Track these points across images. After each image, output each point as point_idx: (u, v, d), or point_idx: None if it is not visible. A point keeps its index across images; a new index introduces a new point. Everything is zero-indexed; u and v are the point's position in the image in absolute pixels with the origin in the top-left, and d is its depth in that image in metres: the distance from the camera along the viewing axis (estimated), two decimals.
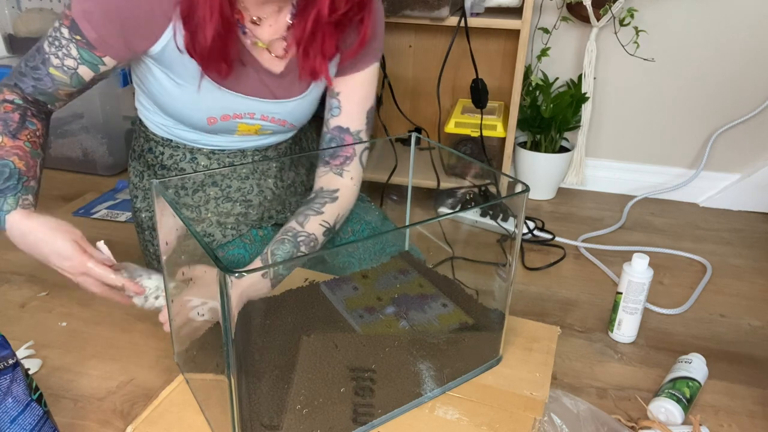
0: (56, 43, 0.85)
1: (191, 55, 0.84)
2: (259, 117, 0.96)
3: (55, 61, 0.85)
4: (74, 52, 0.84)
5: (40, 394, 0.73)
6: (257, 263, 0.88)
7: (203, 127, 0.95)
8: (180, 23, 0.82)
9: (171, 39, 0.83)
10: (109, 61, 0.86)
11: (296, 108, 0.98)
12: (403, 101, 1.75)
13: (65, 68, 0.85)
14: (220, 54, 0.84)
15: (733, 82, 1.60)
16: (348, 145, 1.00)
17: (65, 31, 0.84)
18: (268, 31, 0.90)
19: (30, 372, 0.94)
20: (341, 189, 0.98)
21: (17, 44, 1.80)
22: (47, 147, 0.90)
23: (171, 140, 1.00)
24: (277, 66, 0.93)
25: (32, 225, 0.81)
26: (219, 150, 1.00)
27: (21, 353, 0.99)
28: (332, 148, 1.00)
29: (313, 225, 0.92)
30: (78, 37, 0.83)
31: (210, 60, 0.84)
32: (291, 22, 0.90)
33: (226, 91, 0.90)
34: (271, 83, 0.93)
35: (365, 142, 1.02)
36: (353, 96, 0.99)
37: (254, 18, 0.88)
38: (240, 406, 0.61)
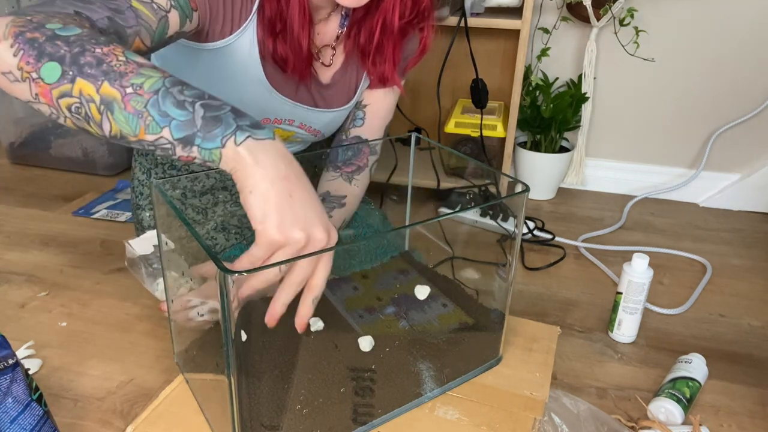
0: None
1: (274, 58, 0.81)
2: (298, 125, 0.95)
3: None
4: None
5: (40, 394, 0.73)
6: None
7: None
8: (256, 23, 0.80)
9: (249, 34, 0.81)
10: (194, 21, 0.75)
11: (333, 120, 0.98)
12: (403, 101, 1.75)
13: (155, 5, 0.68)
14: (309, 55, 0.82)
15: (733, 82, 1.60)
16: (352, 143, 1.00)
17: None
18: (316, 39, 0.90)
19: (30, 372, 0.94)
20: (348, 196, 0.98)
21: None
22: None
23: None
24: (324, 76, 0.93)
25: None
26: None
27: (21, 353, 0.99)
28: (344, 146, 1.00)
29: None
30: None
31: (297, 60, 0.82)
32: (341, 30, 0.90)
33: (277, 94, 0.88)
34: (316, 92, 0.93)
35: (377, 154, 1.02)
36: (379, 111, 1.00)
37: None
38: (240, 406, 0.61)
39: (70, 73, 0.55)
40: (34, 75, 0.55)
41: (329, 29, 0.90)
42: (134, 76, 0.55)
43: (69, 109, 0.56)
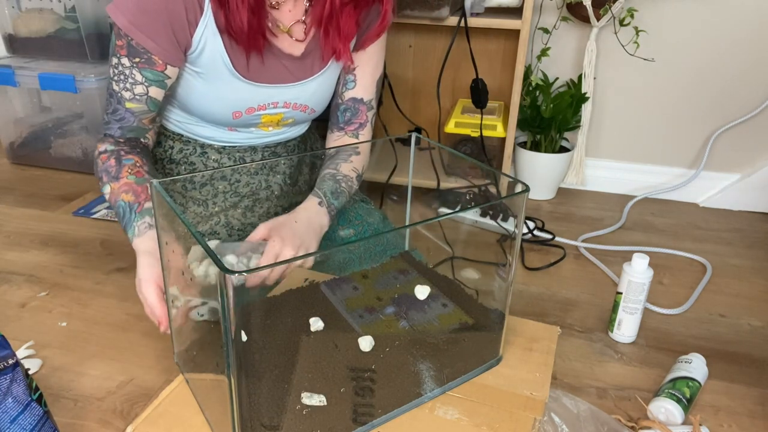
0: (121, 77, 0.87)
1: (230, 35, 0.86)
2: (282, 105, 0.99)
3: (128, 95, 0.88)
4: (139, 77, 0.87)
5: (40, 394, 0.73)
6: (310, 198, 0.95)
7: (227, 122, 0.97)
8: (212, 7, 0.85)
9: (208, 24, 0.85)
10: (171, 71, 0.88)
11: (317, 89, 1.00)
12: (403, 101, 1.75)
13: (138, 97, 0.88)
14: (258, 30, 0.86)
15: (733, 82, 1.60)
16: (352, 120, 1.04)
17: (125, 61, 0.86)
18: (288, 16, 0.92)
19: (30, 372, 0.94)
20: (359, 146, 1.04)
21: (17, 44, 1.80)
22: (155, 173, 0.93)
23: (182, 135, 1.00)
24: (297, 49, 0.95)
25: (145, 247, 0.86)
26: (230, 145, 1.02)
27: (21, 353, 0.99)
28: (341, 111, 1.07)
29: (346, 168, 1.00)
30: (137, 59, 0.85)
31: (249, 38, 0.86)
32: (308, 4, 0.92)
33: (250, 83, 0.92)
34: (292, 66, 0.95)
35: (374, 109, 1.06)
36: (367, 68, 1.04)
37: (273, 2, 0.90)
38: (240, 406, 0.61)
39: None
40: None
41: (299, 4, 0.92)
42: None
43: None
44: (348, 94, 1.05)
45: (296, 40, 0.94)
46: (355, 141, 1.06)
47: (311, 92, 1.00)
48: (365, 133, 1.08)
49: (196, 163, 1.02)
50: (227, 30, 0.86)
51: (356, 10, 0.92)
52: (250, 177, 1.02)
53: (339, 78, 1.05)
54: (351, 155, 1.02)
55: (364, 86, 1.05)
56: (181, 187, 0.99)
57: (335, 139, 1.08)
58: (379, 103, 1.70)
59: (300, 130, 1.11)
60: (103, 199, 1.63)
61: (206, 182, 1.00)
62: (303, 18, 0.93)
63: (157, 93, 0.89)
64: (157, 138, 1.02)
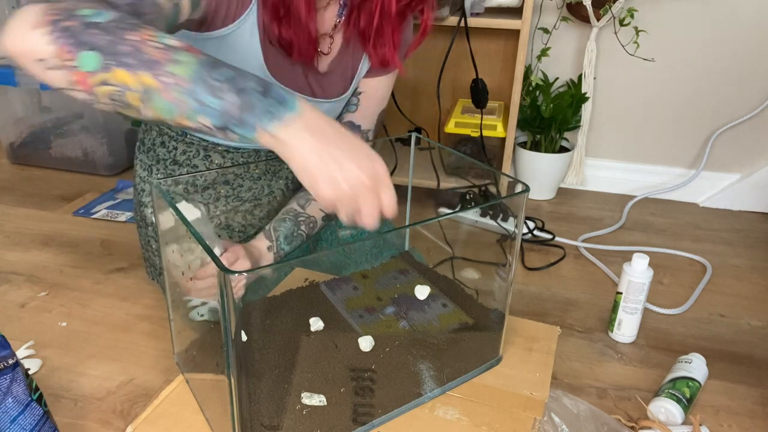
0: None
1: (281, 43, 0.84)
2: None
3: None
4: None
5: (40, 394, 0.73)
6: (261, 238, 0.92)
7: None
8: (257, 11, 0.82)
9: (249, 23, 0.83)
10: (200, 9, 0.76)
11: (329, 111, 0.99)
12: (403, 101, 1.75)
13: None
14: (316, 38, 0.85)
15: (733, 82, 1.60)
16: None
17: None
18: (320, 27, 0.91)
19: (30, 372, 0.94)
20: None
21: None
22: None
23: (185, 136, 1.00)
24: (322, 64, 0.94)
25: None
26: (234, 149, 1.01)
27: (21, 353, 0.99)
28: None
29: (313, 209, 0.97)
30: None
31: (303, 44, 0.84)
32: (339, 20, 0.92)
33: (276, 83, 0.89)
34: (314, 81, 0.94)
35: (371, 141, 1.03)
36: (373, 97, 1.02)
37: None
38: (240, 406, 0.61)
39: (109, 61, 0.56)
40: (73, 63, 0.56)
41: (327, 18, 0.92)
42: (170, 64, 0.57)
43: (109, 96, 0.58)
44: (347, 117, 1.02)
45: (321, 52, 0.93)
46: None
47: (324, 111, 0.98)
48: None
49: (199, 167, 1.01)
50: (279, 42, 0.84)
51: (401, 20, 0.91)
52: (253, 182, 1.02)
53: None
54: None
55: (364, 115, 1.02)
56: (183, 190, 0.99)
57: None
58: None
59: None
60: (103, 199, 1.62)
61: (208, 186, 0.99)
62: (330, 32, 0.92)
63: (185, 7, 0.72)
64: (160, 138, 1.02)
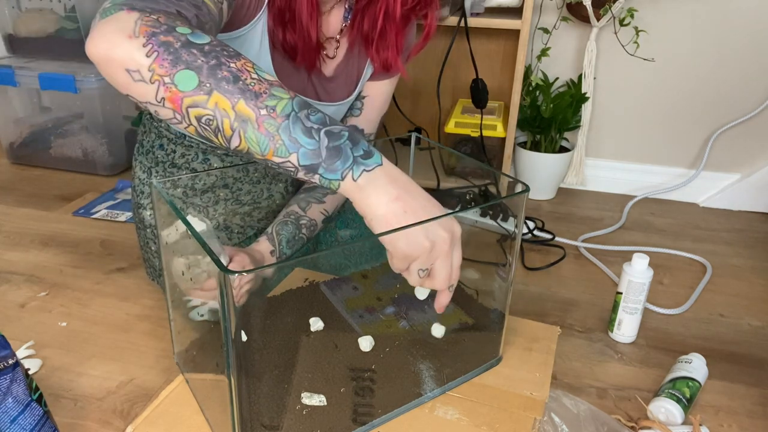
0: None
1: (284, 47, 0.84)
2: None
3: None
4: None
5: (40, 394, 0.73)
6: (264, 242, 0.91)
7: None
8: (268, 14, 0.82)
9: (261, 25, 0.83)
10: (232, 10, 0.77)
11: (334, 114, 0.99)
12: (403, 101, 1.75)
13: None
14: (318, 44, 0.85)
15: (733, 82, 1.60)
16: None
17: None
18: (321, 32, 0.91)
19: (30, 372, 0.94)
20: None
21: (17, 44, 1.80)
22: None
23: (184, 138, 1.00)
24: (327, 68, 0.94)
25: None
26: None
27: (21, 353, 0.99)
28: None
29: (314, 212, 0.97)
30: None
31: (306, 49, 0.84)
32: (345, 23, 0.92)
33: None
34: (319, 84, 0.94)
35: (371, 142, 1.03)
36: (376, 101, 1.02)
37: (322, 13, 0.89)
38: (240, 406, 0.61)
39: (207, 85, 0.56)
40: (167, 80, 0.56)
41: (332, 21, 0.91)
42: (268, 98, 0.57)
43: (198, 119, 0.57)
44: (350, 121, 1.03)
45: (326, 56, 0.93)
46: None
47: (329, 114, 0.98)
48: None
49: (198, 170, 1.01)
50: (282, 46, 0.84)
51: (405, 23, 0.92)
52: (252, 185, 1.02)
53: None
54: (328, 193, 0.99)
55: (368, 119, 1.03)
56: (182, 194, 0.99)
57: None
58: None
59: None
60: (103, 199, 1.62)
61: (207, 189, 0.99)
62: (336, 36, 0.93)
63: (226, 9, 0.73)
64: (159, 140, 1.02)
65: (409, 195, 0.60)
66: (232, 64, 0.57)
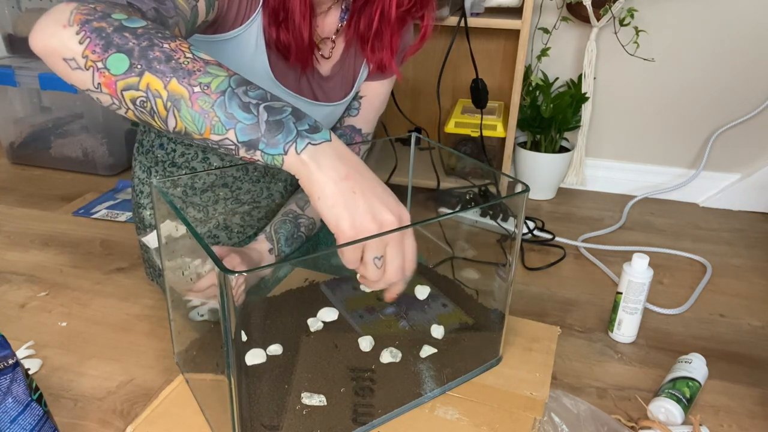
0: None
1: (278, 46, 0.83)
2: None
3: None
4: None
5: (40, 394, 0.73)
6: (262, 240, 0.92)
7: None
8: (263, 14, 0.82)
9: (256, 25, 0.82)
10: (214, 11, 0.76)
11: (331, 114, 0.99)
12: (403, 101, 1.75)
13: None
14: (311, 44, 0.85)
15: (733, 82, 1.60)
16: (355, 143, 1.02)
17: None
18: (317, 31, 0.91)
19: (30, 372, 0.94)
20: None
21: (17, 44, 1.80)
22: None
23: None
24: (324, 68, 0.94)
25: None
26: None
27: (21, 353, 0.99)
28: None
29: (313, 210, 0.97)
30: None
31: (299, 49, 0.84)
32: (341, 24, 0.92)
33: (280, 86, 0.90)
34: (316, 84, 0.95)
35: (368, 141, 1.04)
36: (374, 101, 1.03)
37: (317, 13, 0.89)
38: (240, 406, 0.61)
39: (138, 66, 0.55)
40: (100, 65, 0.55)
41: (329, 21, 0.92)
42: (202, 75, 0.55)
43: (133, 101, 0.57)
44: (348, 121, 1.03)
45: (322, 55, 0.93)
46: None
47: (324, 115, 0.98)
48: None
49: (198, 169, 1.01)
50: (276, 45, 0.84)
51: (400, 25, 0.92)
52: (252, 184, 1.02)
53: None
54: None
55: (365, 118, 1.03)
56: (182, 193, 0.99)
57: None
58: None
59: None
60: (103, 199, 1.62)
61: (207, 188, 0.99)
62: (333, 36, 0.93)
63: (201, 10, 0.72)
64: (159, 140, 1.02)
65: (359, 174, 0.56)
66: (165, 45, 0.56)
